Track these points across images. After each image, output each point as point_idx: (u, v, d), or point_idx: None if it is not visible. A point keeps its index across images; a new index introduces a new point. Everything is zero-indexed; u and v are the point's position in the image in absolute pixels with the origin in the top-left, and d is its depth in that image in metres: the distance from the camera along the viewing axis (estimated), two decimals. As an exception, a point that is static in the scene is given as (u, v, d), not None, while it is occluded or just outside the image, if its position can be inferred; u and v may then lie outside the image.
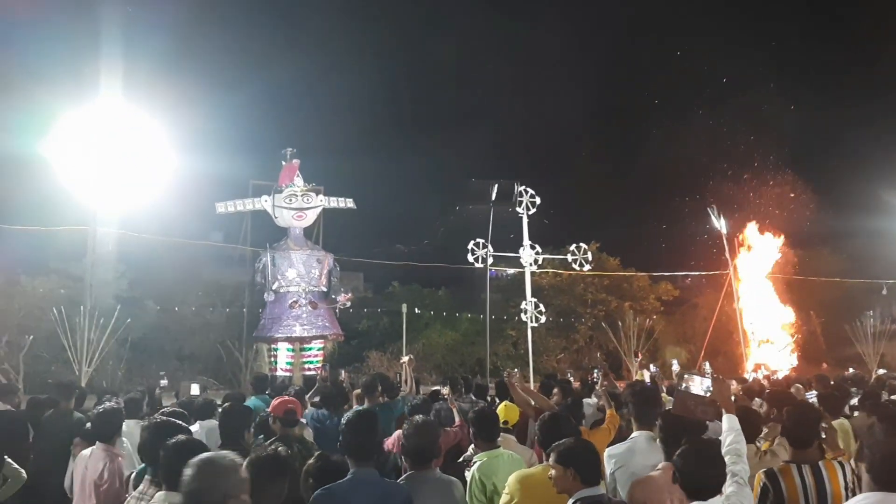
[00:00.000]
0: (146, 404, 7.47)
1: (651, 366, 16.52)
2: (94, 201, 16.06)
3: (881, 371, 16.32)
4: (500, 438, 5.00)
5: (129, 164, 16.32)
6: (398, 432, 5.82)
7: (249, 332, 21.07)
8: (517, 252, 19.40)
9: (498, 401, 7.36)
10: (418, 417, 4.51)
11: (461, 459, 5.02)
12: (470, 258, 18.76)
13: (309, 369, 17.97)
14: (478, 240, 18.81)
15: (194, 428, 5.79)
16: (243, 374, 22.68)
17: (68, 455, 5.50)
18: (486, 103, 76.52)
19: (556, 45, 60.51)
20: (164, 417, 4.86)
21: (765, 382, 11.21)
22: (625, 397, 5.33)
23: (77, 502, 4.95)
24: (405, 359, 7.91)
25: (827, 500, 3.95)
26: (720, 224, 21.84)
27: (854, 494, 3.86)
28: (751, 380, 12.39)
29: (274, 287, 18.60)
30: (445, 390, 8.39)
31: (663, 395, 7.40)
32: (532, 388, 8.87)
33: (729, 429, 3.70)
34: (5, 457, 5.24)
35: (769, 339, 23.98)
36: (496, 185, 18.78)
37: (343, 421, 4.03)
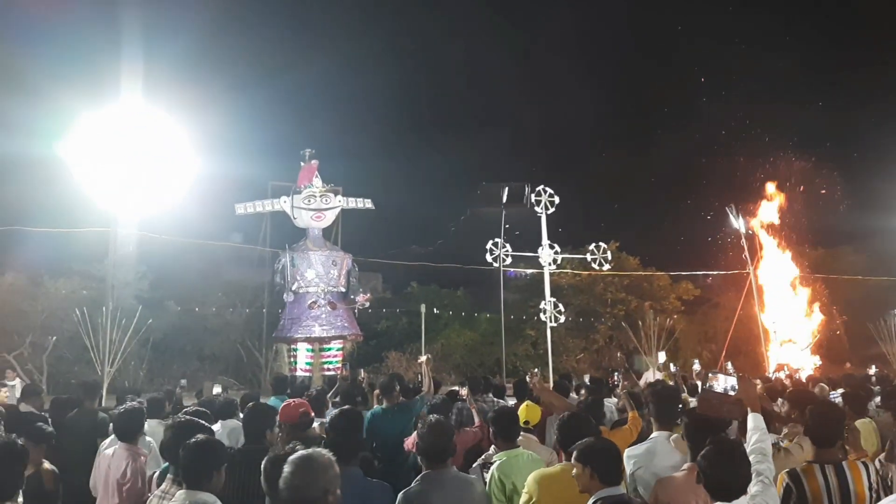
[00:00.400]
0: (169, 404, 7.53)
1: (671, 365, 16.41)
2: (115, 203, 16.25)
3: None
4: (520, 438, 4.98)
5: (149, 166, 16.50)
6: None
7: (269, 333, 21.18)
8: (536, 252, 19.39)
9: (517, 400, 7.35)
10: (432, 416, 4.48)
11: (480, 460, 5.00)
12: (489, 258, 18.72)
13: (328, 369, 18.03)
14: (496, 240, 18.80)
15: (216, 427, 5.82)
16: (263, 374, 22.84)
17: (93, 454, 5.55)
18: (503, 104, 76.72)
19: (573, 46, 60.51)
20: (188, 417, 4.89)
21: (787, 382, 11.10)
22: (645, 397, 5.29)
23: (100, 501, 5.00)
24: (423, 358, 7.91)
25: (851, 501, 3.88)
26: (739, 223, 21.66)
27: (878, 496, 3.80)
28: (773, 380, 12.27)
29: (293, 287, 18.61)
30: (464, 391, 8.35)
31: (684, 395, 7.35)
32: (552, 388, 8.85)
33: (754, 427, 3.68)
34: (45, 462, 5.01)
35: (791, 338, 23.76)
36: (506, 189, 18.75)
37: (327, 421, 4.04)
